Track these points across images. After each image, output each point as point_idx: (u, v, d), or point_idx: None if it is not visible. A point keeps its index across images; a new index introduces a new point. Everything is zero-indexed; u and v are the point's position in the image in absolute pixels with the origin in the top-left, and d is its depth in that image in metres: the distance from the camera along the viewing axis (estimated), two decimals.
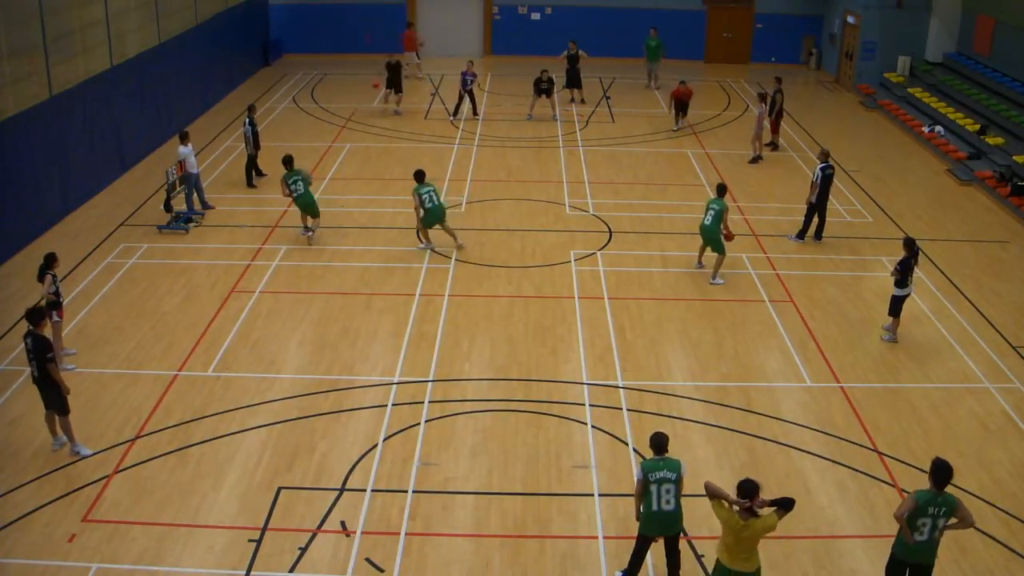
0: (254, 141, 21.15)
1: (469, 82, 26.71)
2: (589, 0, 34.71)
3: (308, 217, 18.19)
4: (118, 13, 21.87)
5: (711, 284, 16.67)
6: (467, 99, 27.04)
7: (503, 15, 35.45)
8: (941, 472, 8.87)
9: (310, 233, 18.04)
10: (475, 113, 27.20)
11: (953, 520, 8.92)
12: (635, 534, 9.71)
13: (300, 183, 17.84)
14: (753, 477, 11.53)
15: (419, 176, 17.55)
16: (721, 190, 17.04)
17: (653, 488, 9.35)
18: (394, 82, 27.07)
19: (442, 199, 17.82)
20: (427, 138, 25.15)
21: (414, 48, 31.35)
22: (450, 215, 19.77)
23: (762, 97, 24.13)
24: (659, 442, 9.52)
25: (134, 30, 22.94)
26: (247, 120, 21.13)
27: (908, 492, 11.27)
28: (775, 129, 24.83)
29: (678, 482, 9.39)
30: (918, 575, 9.20)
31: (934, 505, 8.83)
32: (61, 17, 19.42)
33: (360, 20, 34.65)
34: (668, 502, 9.38)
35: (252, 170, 21.40)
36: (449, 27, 35.05)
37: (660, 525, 9.52)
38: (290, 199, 18.14)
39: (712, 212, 16.57)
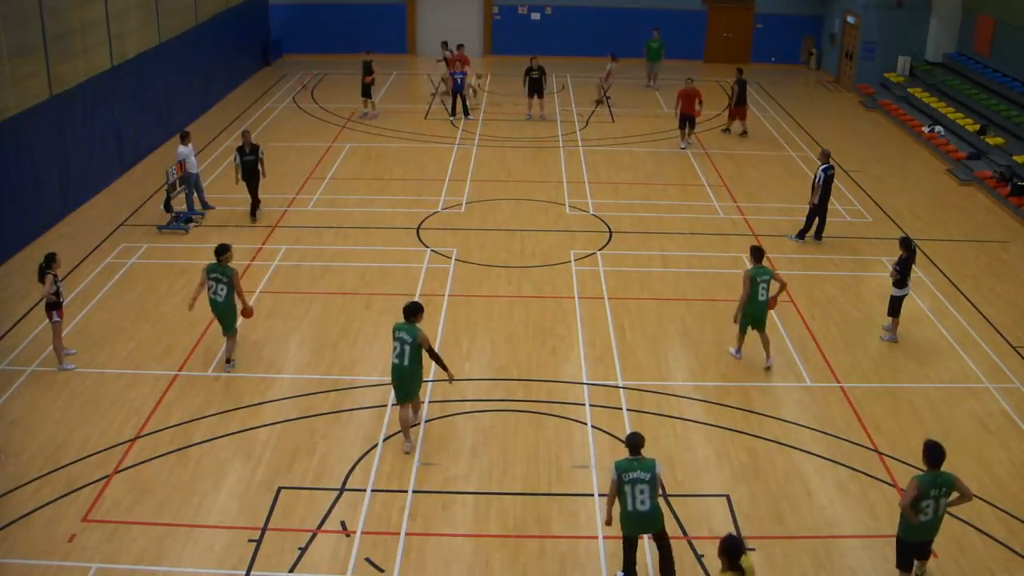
0: (241, 172, 19.03)
1: (460, 81, 26.54)
2: (589, 0, 34.72)
3: (226, 336, 13.84)
4: (118, 13, 21.86)
5: (767, 369, 13.97)
6: (459, 99, 26.88)
7: (503, 15, 35.45)
8: (935, 452, 9.26)
9: (230, 365, 13.83)
10: (465, 114, 26.92)
11: (954, 495, 9.30)
12: None
13: (224, 287, 13.37)
14: (753, 477, 11.59)
15: (408, 311, 11.85)
16: (759, 254, 14.03)
17: (627, 488, 9.29)
18: (367, 87, 26.62)
19: (412, 355, 11.66)
20: (427, 138, 25.14)
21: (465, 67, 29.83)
22: (450, 216, 19.84)
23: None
24: (634, 442, 9.46)
25: (134, 30, 22.94)
26: (238, 147, 19.29)
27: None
28: (742, 117, 25.66)
29: (652, 482, 9.29)
30: (919, 552, 9.67)
31: (935, 487, 9.20)
32: (61, 17, 19.42)
33: (360, 20, 34.66)
34: (643, 502, 9.30)
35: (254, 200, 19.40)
36: (449, 27, 35.05)
37: (637, 525, 9.48)
38: (202, 293, 13.67)
39: (764, 285, 13.61)
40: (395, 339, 11.73)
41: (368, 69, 26.42)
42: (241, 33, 31.08)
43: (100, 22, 21.07)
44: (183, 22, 25.99)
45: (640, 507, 9.32)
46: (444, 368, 11.93)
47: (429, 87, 30.63)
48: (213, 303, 13.55)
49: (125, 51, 22.29)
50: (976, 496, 11.30)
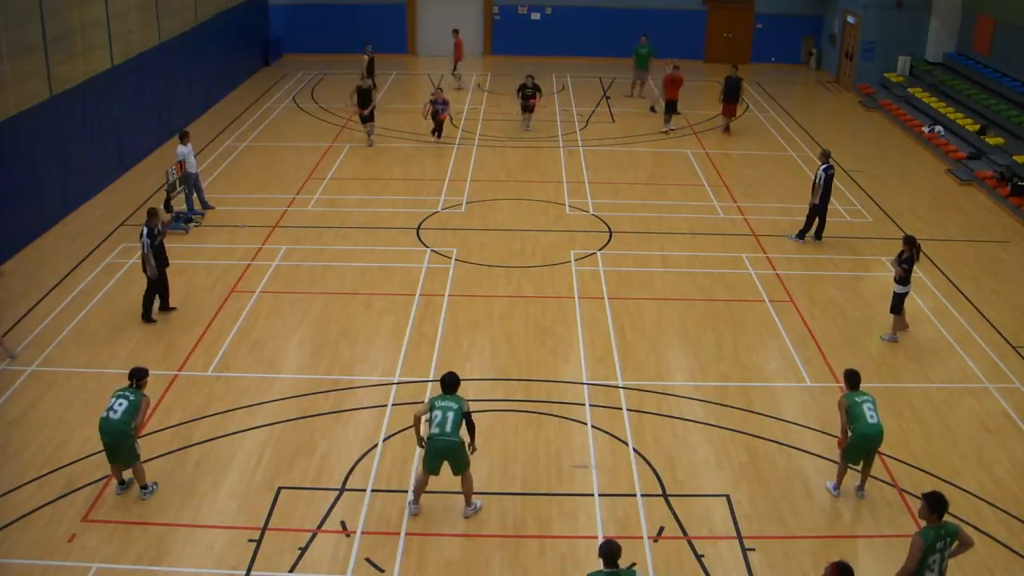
0: (152, 258, 14.95)
1: (441, 111, 24.64)
2: (589, 0, 34.73)
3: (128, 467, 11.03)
4: (118, 13, 21.86)
5: (862, 496, 11.40)
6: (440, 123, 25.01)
7: (503, 15, 35.46)
8: (939, 503, 8.69)
9: (146, 491, 11.06)
10: (439, 136, 24.96)
11: (955, 545, 8.72)
12: (636, 534, 9.70)
13: (125, 404, 10.72)
14: (753, 477, 11.58)
15: (446, 384, 10.84)
16: (854, 380, 11.37)
17: None
18: (366, 108, 24.10)
19: (455, 423, 10.55)
20: (427, 138, 25.12)
21: (461, 57, 30.71)
22: (450, 216, 19.84)
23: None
24: (610, 552, 8.19)
25: (134, 30, 22.95)
26: (144, 231, 14.96)
27: (907, 492, 11.32)
28: (727, 114, 26.22)
29: None
30: None
31: (940, 539, 8.61)
32: (61, 17, 19.42)
33: (360, 20, 34.66)
34: None
35: (151, 299, 15.29)
36: (449, 27, 35.05)
37: None
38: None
39: (869, 405, 11.12)
40: (435, 409, 10.53)
41: (366, 97, 24.17)
42: (241, 33, 31.08)
43: (100, 22, 21.07)
44: (183, 22, 25.99)
45: None
46: (473, 439, 10.85)
47: (429, 87, 30.59)
48: (103, 421, 10.72)
49: (125, 51, 22.29)
50: (976, 496, 11.34)
